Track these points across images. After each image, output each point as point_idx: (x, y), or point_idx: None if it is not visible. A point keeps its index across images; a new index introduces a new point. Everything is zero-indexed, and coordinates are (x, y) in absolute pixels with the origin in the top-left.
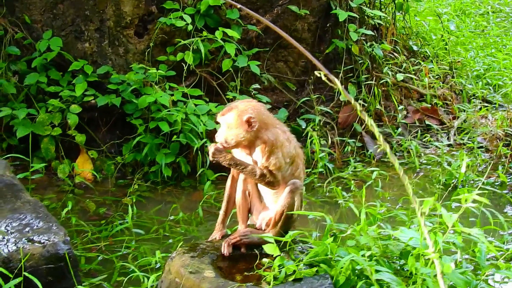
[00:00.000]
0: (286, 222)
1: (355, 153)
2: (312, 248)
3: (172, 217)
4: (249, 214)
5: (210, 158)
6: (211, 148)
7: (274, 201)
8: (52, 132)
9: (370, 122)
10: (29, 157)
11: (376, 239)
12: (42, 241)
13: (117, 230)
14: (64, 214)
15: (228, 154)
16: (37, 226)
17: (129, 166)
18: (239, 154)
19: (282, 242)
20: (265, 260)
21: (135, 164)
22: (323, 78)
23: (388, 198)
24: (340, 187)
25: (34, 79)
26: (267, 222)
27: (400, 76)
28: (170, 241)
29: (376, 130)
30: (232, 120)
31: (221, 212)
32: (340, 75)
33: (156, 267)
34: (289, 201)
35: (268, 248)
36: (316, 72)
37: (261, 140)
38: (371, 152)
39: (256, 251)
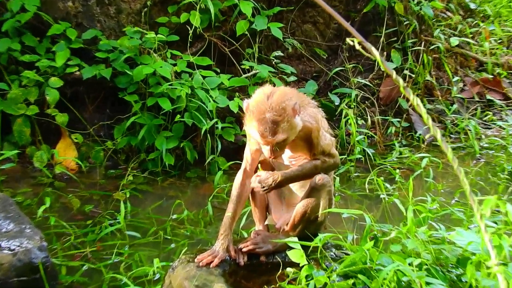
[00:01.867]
0: (309, 224)
1: (400, 135)
2: (348, 254)
3: (174, 216)
4: (267, 213)
5: (261, 191)
6: (256, 183)
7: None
8: (27, 111)
9: (415, 100)
10: None
11: (427, 243)
12: (12, 248)
13: (107, 233)
14: (41, 213)
15: (275, 173)
16: (6, 228)
17: (122, 153)
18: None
19: (310, 248)
20: (289, 270)
21: (129, 151)
22: (357, 46)
23: (442, 191)
24: (382, 178)
25: (4, 46)
26: (285, 224)
27: (454, 41)
28: (172, 246)
29: (423, 112)
30: (285, 124)
31: (227, 215)
32: (381, 39)
33: (155, 279)
34: (313, 201)
35: (293, 255)
36: (348, 39)
37: (301, 128)
38: (420, 134)
39: (279, 259)
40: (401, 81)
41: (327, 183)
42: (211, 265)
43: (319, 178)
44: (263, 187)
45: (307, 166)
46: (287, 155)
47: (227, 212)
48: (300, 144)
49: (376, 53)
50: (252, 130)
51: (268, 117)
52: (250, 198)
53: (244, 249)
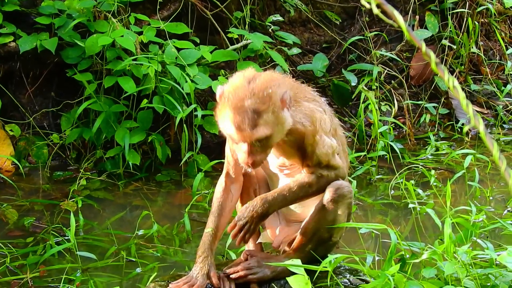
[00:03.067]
0: (320, 245)
1: (437, 125)
2: (367, 282)
3: (141, 232)
4: (260, 227)
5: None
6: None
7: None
8: None
9: (451, 81)
10: None
11: (470, 267)
12: None
13: (53, 254)
14: None
15: (252, 203)
16: None
17: (72, 150)
18: None
19: (317, 273)
20: None
21: (81, 147)
22: (374, 9)
23: (491, 198)
24: (413, 181)
25: None
26: (289, 242)
27: (510, 1)
28: (138, 270)
29: (461, 96)
30: (270, 116)
31: (207, 232)
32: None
33: None
34: (329, 216)
35: (295, 282)
36: (363, 1)
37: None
38: (463, 124)
39: (275, 286)
40: (432, 55)
41: (347, 193)
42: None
43: (338, 186)
44: (240, 230)
45: (295, 185)
46: (275, 163)
47: (207, 227)
48: (289, 151)
49: (400, 18)
50: (226, 123)
51: (247, 105)
52: (237, 208)
53: (232, 275)
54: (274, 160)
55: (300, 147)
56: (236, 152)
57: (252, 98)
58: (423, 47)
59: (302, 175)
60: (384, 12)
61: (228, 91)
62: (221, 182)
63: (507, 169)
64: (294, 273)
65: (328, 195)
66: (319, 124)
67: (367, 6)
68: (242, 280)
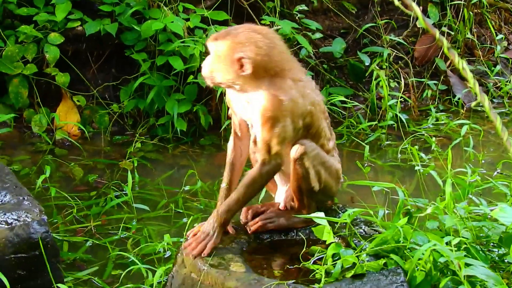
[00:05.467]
0: (312, 194)
1: (437, 99)
2: (379, 232)
3: (187, 188)
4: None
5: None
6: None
7: None
8: (24, 71)
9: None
10: None
11: (467, 220)
12: (9, 221)
13: (113, 206)
14: (40, 183)
15: (212, 216)
16: (2, 200)
17: (129, 118)
18: (235, 98)
19: (338, 224)
20: (314, 248)
21: (137, 115)
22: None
23: (483, 161)
24: (417, 147)
25: None
26: (292, 200)
27: None
28: (185, 220)
29: (469, 76)
30: (221, 52)
31: (223, 186)
32: None
33: (165, 256)
34: (299, 172)
35: (318, 231)
36: None
37: (263, 96)
38: (459, 98)
39: (302, 236)
40: (445, 41)
41: (308, 151)
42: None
43: (295, 151)
44: (201, 242)
45: (245, 184)
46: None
47: (222, 183)
48: (255, 111)
49: (417, 9)
50: None
51: (209, 45)
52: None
53: (252, 228)
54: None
55: (264, 118)
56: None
57: (215, 37)
58: (437, 33)
59: (248, 174)
60: (403, 3)
61: None
62: (230, 141)
63: (509, 138)
64: (306, 225)
65: (292, 154)
66: (291, 106)
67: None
68: (260, 229)
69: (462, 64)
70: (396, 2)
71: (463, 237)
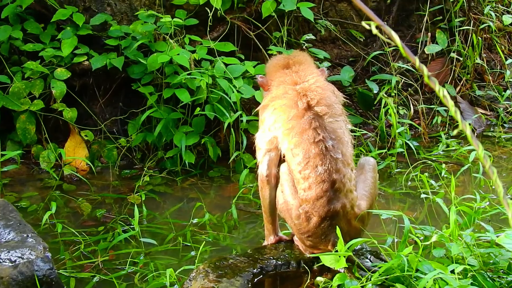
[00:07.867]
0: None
1: (447, 125)
2: (385, 261)
3: (195, 220)
4: None
5: None
6: None
7: None
8: (31, 107)
9: (441, 91)
10: (0, 141)
11: (474, 247)
12: (12, 259)
13: (120, 240)
14: (46, 220)
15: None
16: (5, 238)
17: (137, 151)
18: None
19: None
20: (319, 279)
21: (145, 148)
22: (373, 30)
23: (493, 187)
24: (427, 174)
25: (5, 34)
26: None
27: (507, 19)
28: (193, 253)
29: (450, 104)
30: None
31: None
32: (425, 18)
33: None
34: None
35: (327, 259)
36: (363, 22)
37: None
38: (470, 124)
39: (307, 267)
40: (425, 69)
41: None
42: None
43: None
44: None
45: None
46: None
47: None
48: None
49: (395, 36)
50: None
51: None
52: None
53: None
54: None
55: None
56: None
57: None
58: (417, 61)
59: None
60: (382, 31)
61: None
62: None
63: (491, 167)
64: None
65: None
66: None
67: (367, 27)
68: None
69: (442, 92)
70: (374, 31)
71: (469, 264)
